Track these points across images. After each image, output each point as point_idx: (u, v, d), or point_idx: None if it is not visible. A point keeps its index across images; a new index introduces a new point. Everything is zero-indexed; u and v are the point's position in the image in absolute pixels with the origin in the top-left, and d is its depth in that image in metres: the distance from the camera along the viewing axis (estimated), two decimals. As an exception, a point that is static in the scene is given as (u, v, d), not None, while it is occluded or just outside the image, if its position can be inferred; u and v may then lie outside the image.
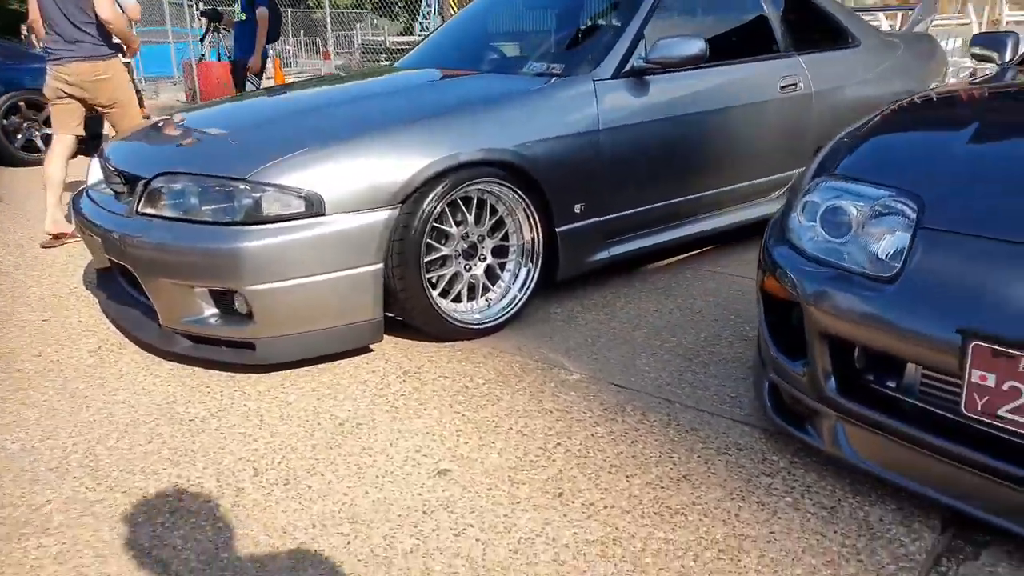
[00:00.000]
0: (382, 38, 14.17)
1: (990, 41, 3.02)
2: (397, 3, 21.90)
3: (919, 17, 4.78)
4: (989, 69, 2.97)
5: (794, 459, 1.96)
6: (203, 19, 6.45)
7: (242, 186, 2.40)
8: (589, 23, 3.67)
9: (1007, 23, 8.75)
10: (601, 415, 2.21)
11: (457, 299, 2.78)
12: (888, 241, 1.74)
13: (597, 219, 3.06)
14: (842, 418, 1.78)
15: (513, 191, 2.77)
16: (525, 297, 2.90)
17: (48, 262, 3.91)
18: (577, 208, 2.98)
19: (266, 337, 2.46)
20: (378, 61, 13.50)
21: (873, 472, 1.74)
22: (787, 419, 1.96)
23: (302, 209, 2.40)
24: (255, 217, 2.39)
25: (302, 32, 24.24)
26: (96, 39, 4.10)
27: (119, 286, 3.00)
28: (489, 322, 2.82)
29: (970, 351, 1.45)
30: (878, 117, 2.26)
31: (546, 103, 2.92)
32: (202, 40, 6.61)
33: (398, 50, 13.96)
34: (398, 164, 2.52)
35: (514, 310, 2.87)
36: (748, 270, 3.46)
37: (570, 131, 2.91)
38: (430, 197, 2.56)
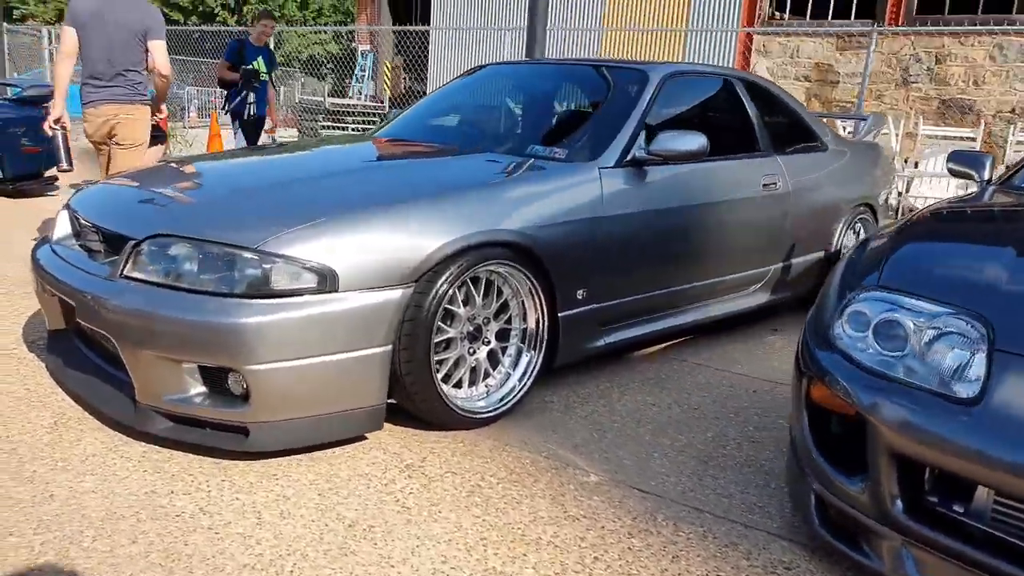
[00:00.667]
0: (320, 98, 13.95)
1: (968, 160, 3.18)
2: (326, 64, 21.86)
3: (870, 128, 5.05)
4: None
5: (844, 580, 1.89)
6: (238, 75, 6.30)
7: (249, 255, 2.21)
8: (587, 109, 3.68)
9: (921, 136, 9.41)
10: (632, 525, 2.09)
11: (458, 385, 2.63)
12: (950, 359, 1.73)
13: (596, 305, 3.00)
14: (908, 542, 1.72)
15: (522, 273, 2.68)
16: (528, 384, 2.78)
17: (-23, 316, 3.53)
18: (579, 294, 2.91)
19: (262, 421, 2.24)
20: (315, 123, 13.29)
21: (944, 602, 1.67)
22: (837, 536, 1.88)
23: (314, 284, 2.23)
24: (262, 290, 2.20)
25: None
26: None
27: (78, 352, 2.71)
28: (492, 410, 2.67)
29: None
30: (905, 227, 2.30)
31: (554, 187, 2.87)
32: (240, 97, 6.37)
33: (336, 112, 13.81)
34: (413, 241, 2.39)
35: (517, 398, 2.74)
36: (730, 364, 3.46)
37: (576, 216, 2.86)
38: (444, 277, 2.44)
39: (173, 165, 3.20)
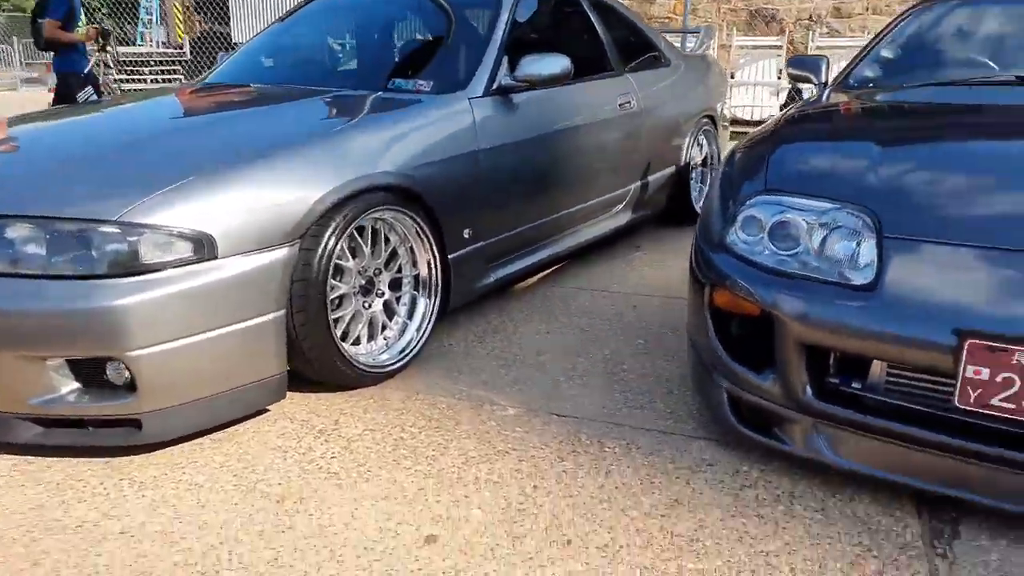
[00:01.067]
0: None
1: (807, 64, 3.39)
2: (100, 10, 19.38)
3: (703, 40, 5.26)
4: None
5: (763, 467, 2.02)
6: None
7: (110, 229, 1.97)
8: (440, 37, 3.55)
9: (734, 46, 9.95)
10: (560, 448, 2.12)
11: (356, 342, 2.53)
12: (842, 251, 1.86)
13: (482, 243, 2.96)
14: (818, 423, 1.86)
15: (409, 217, 2.59)
16: (428, 331, 2.72)
17: None
18: (466, 233, 2.86)
19: (154, 410, 2.05)
20: (106, 78, 11.94)
21: (856, 470, 1.84)
22: (752, 428, 2.01)
23: (190, 253, 2.04)
24: (131, 267, 1.97)
25: None
26: None
27: None
28: (395, 362, 2.59)
29: (965, 349, 1.58)
30: (777, 130, 2.43)
31: (428, 122, 2.76)
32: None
33: (131, 63, 12.54)
34: (292, 194, 2.24)
35: (419, 347, 2.68)
36: (606, 284, 3.57)
37: (454, 152, 2.79)
38: (330, 229, 2.30)
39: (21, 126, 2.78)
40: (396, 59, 3.52)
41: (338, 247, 2.32)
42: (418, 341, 2.68)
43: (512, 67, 3.09)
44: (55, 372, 2.01)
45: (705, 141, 4.76)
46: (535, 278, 3.63)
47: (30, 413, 2.05)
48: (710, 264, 2.05)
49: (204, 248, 2.05)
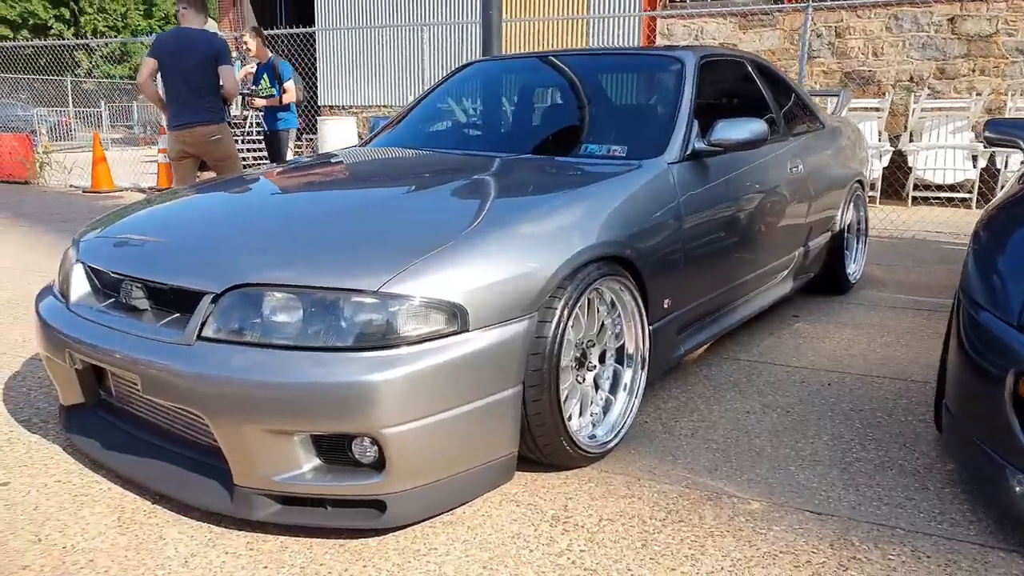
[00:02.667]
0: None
1: (1009, 127, 3.21)
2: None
3: (843, 102, 5.12)
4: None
5: (1080, 586, 1.80)
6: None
7: (370, 300, 1.88)
8: (622, 102, 3.48)
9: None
10: (835, 554, 1.92)
11: (568, 419, 2.38)
12: None
13: (678, 312, 2.82)
14: None
15: (626, 287, 2.46)
16: (637, 406, 2.56)
17: (-62, 393, 2.95)
18: (665, 303, 2.72)
19: (400, 492, 1.92)
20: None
21: None
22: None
23: (444, 326, 1.93)
24: (388, 340, 1.87)
25: (70, 103, 21.98)
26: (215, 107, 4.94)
27: (117, 431, 2.28)
28: (610, 440, 2.44)
29: None
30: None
31: (638, 189, 2.65)
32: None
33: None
34: (530, 265, 2.13)
35: (630, 422, 2.52)
36: (782, 357, 3.38)
37: (660, 219, 2.67)
38: (563, 300, 2.18)
39: (196, 196, 2.75)
40: (578, 125, 3.44)
41: (571, 319, 2.20)
42: (628, 416, 2.52)
43: (701, 131, 3.00)
44: (300, 448, 1.91)
45: (855, 207, 4.59)
46: (700, 350, 3.46)
47: (271, 490, 1.94)
48: (1010, 349, 1.86)
49: (457, 320, 1.94)
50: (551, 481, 2.29)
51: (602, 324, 2.49)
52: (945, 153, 8.74)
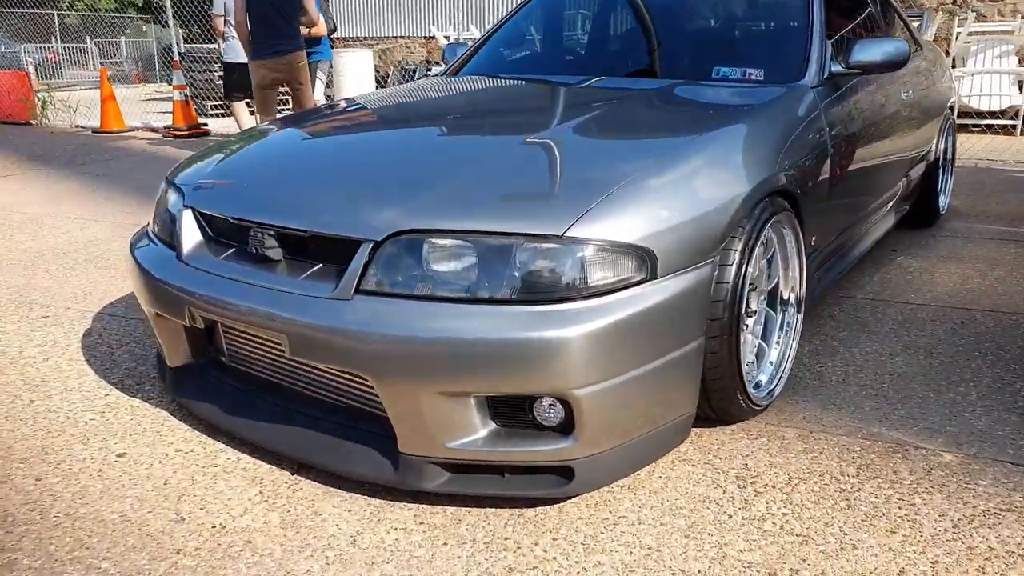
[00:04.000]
0: (177, 45, 11.58)
1: None
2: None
3: (926, 24, 4.82)
4: None
5: None
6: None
7: (552, 246, 1.65)
8: (743, 21, 3.18)
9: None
10: (1066, 511, 1.76)
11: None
12: None
13: (820, 248, 2.61)
14: None
15: (792, 225, 2.24)
16: (794, 351, 2.37)
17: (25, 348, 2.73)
18: (813, 240, 2.50)
19: (589, 456, 1.73)
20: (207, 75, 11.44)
21: None
22: None
23: (633, 273, 1.71)
24: (577, 290, 1.65)
25: (57, 37, 21.06)
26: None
27: (243, 395, 2.08)
28: (773, 390, 2.25)
29: None
30: None
31: (794, 117, 2.40)
32: None
33: (195, 59, 12.00)
34: (712, 201, 1.90)
35: (787, 371, 2.33)
36: (899, 294, 3.18)
37: (814, 150, 2.44)
38: (743, 241, 1.96)
39: (308, 131, 2.48)
40: (705, 45, 3.12)
41: (751, 262, 1.98)
42: (787, 363, 2.33)
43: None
44: (476, 411, 1.71)
45: (948, 134, 4.33)
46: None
47: (442, 457, 1.75)
48: None
49: (646, 267, 1.72)
50: (717, 438, 2.11)
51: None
52: (991, 78, 8.39)
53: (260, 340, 1.97)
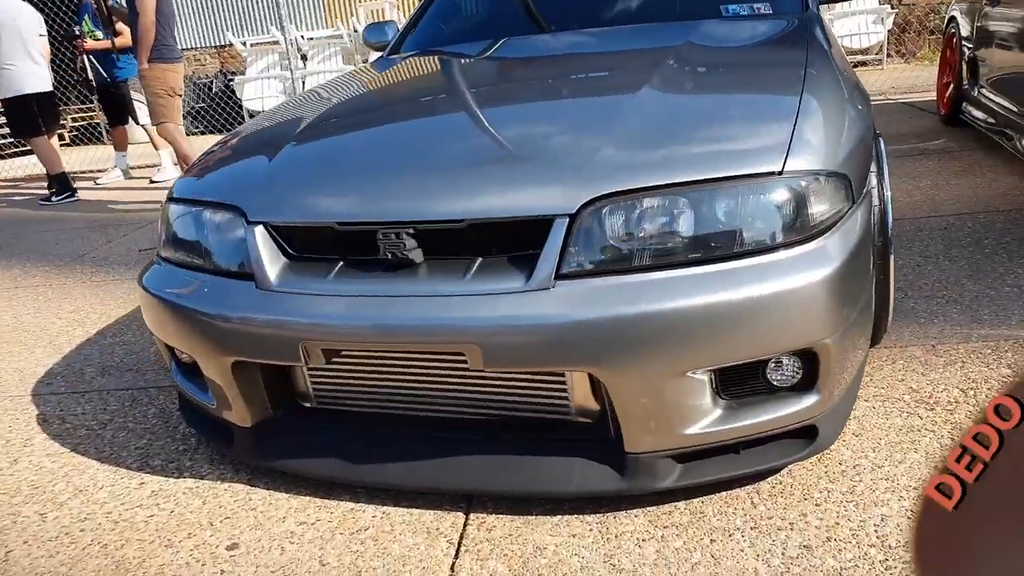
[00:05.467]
0: None
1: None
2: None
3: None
4: None
5: None
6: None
7: (775, 184, 1.48)
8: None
9: None
10: None
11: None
12: None
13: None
14: None
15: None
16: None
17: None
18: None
19: (827, 410, 1.59)
20: None
21: None
22: None
23: (843, 204, 1.58)
24: (805, 230, 1.49)
25: None
26: None
27: (353, 436, 1.73)
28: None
29: None
30: None
31: (829, 40, 2.37)
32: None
33: None
34: (855, 125, 1.79)
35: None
36: (907, 211, 3.33)
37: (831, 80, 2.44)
38: (879, 163, 1.96)
39: (372, 113, 2.07)
40: None
41: (887, 183, 1.94)
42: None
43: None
44: (709, 388, 1.51)
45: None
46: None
47: (675, 449, 1.53)
48: None
49: (850, 195, 1.60)
50: (873, 367, 2.04)
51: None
52: (857, 19, 8.80)
53: (403, 364, 1.62)
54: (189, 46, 11.53)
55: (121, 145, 7.13)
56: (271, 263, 1.65)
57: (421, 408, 1.70)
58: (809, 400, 1.54)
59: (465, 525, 1.60)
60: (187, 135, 8.66)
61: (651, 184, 1.47)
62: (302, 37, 9.82)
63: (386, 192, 1.61)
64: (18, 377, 2.68)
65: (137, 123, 6.81)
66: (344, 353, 1.62)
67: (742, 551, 1.44)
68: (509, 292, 1.45)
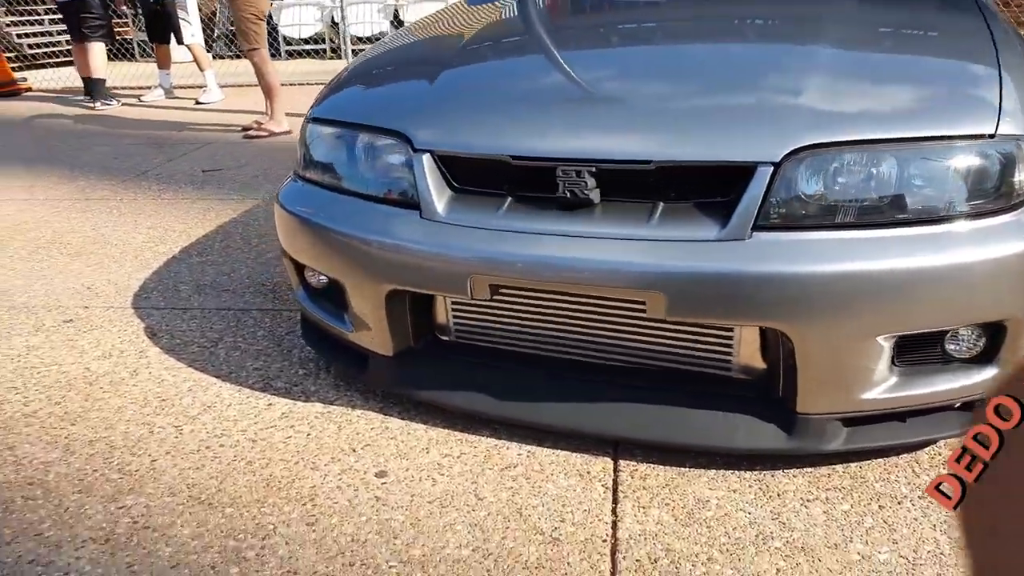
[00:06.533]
0: None
1: None
2: None
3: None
4: None
5: None
6: None
7: (987, 147, 1.42)
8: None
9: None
10: None
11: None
12: None
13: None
14: None
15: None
16: None
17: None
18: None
19: (995, 385, 1.56)
20: None
21: None
22: None
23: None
24: (1012, 197, 1.44)
25: None
26: None
27: (500, 372, 1.70)
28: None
29: None
30: None
31: None
32: None
33: None
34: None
35: None
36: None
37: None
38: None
39: (555, 41, 1.96)
40: None
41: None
42: None
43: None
44: (889, 353, 1.47)
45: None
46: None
47: (847, 412, 1.50)
48: None
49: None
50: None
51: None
52: (301, 10, 9.52)
53: (565, 305, 1.59)
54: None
55: (165, 63, 7.01)
56: (438, 193, 1.60)
57: (570, 351, 1.67)
58: (986, 373, 1.51)
59: (616, 471, 1.59)
60: (221, 58, 8.44)
61: (857, 138, 1.41)
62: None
63: (568, 128, 1.56)
64: (114, 289, 2.66)
65: (181, 42, 6.67)
66: (503, 290, 1.58)
67: (916, 520, 1.42)
68: (701, 240, 1.41)
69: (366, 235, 1.65)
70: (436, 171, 1.62)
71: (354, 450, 1.70)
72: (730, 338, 1.56)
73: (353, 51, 8.83)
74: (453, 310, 1.76)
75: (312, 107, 1.94)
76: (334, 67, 7.97)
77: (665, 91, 1.62)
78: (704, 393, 1.59)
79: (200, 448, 1.72)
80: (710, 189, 1.45)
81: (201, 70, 6.77)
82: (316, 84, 6.60)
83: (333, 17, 9.62)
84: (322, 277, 1.88)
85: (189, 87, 7.10)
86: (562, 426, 1.65)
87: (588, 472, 1.59)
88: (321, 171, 1.83)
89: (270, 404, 1.89)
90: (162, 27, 6.66)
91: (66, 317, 2.45)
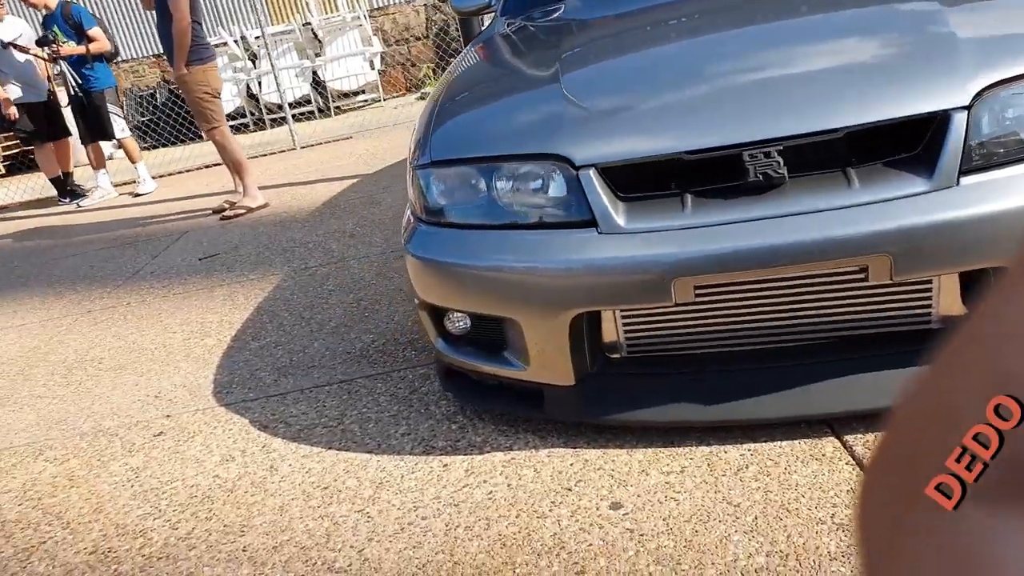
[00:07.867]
0: None
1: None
2: None
3: None
4: None
5: None
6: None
7: None
8: None
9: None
10: None
11: None
12: None
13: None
14: None
15: None
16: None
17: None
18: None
19: None
20: None
21: None
22: None
23: None
24: None
25: None
26: None
27: (687, 379, 1.66)
28: None
29: None
30: None
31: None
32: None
33: None
34: None
35: None
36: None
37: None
38: None
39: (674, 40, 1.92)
40: None
41: None
42: None
43: None
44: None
45: None
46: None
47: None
48: None
49: None
50: None
51: None
52: (346, 62, 9.17)
53: (772, 292, 1.56)
54: (125, 57, 10.94)
55: (99, 162, 6.70)
56: (612, 205, 1.55)
57: (767, 339, 1.64)
58: None
59: (847, 447, 1.56)
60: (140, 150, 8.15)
61: (1035, 70, 1.44)
62: (247, 36, 9.48)
63: (745, 112, 1.53)
64: (187, 392, 2.49)
65: (112, 138, 6.38)
66: (707, 289, 1.54)
67: None
68: (912, 195, 1.40)
69: (543, 264, 1.58)
70: (604, 185, 1.57)
71: (569, 489, 1.61)
72: (929, 289, 1.55)
73: (273, 121, 8.65)
74: (624, 325, 1.70)
75: (417, 153, 1.86)
76: (263, 139, 7.80)
77: (824, 60, 1.62)
78: (908, 351, 1.57)
79: (403, 527, 1.61)
80: (897, 146, 1.46)
81: (133, 163, 6.51)
82: (259, 156, 6.51)
83: (249, 88, 9.43)
84: (462, 323, 1.80)
85: (121, 184, 6.82)
86: (787, 415, 1.61)
87: (823, 455, 1.55)
88: (455, 213, 1.75)
89: (445, 465, 1.79)
90: (94, 123, 6.35)
91: (154, 431, 2.26)
